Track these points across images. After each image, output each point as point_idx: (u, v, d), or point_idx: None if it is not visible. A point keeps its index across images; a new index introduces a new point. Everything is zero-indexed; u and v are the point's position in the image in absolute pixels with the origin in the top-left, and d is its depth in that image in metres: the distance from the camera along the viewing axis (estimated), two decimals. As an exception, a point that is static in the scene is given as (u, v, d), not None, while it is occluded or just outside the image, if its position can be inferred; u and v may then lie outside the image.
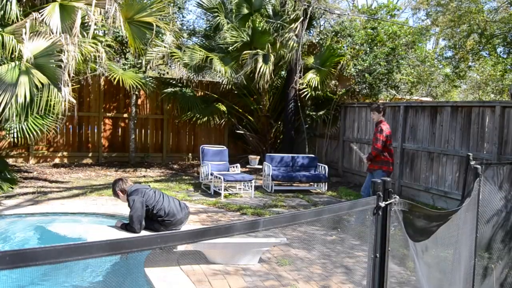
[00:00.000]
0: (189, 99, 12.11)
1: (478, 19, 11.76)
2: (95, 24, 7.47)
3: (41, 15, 7.07)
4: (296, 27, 10.80)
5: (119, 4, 7.77)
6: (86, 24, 7.71)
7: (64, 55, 6.75)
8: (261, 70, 10.36)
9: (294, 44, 10.74)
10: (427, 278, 2.36)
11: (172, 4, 11.62)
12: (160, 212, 4.86)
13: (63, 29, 7.23)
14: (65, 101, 6.83)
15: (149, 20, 8.53)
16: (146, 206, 4.81)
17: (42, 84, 6.74)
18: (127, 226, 4.83)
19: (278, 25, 11.22)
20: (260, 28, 10.80)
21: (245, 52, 10.61)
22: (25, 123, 7.93)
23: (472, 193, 2.86)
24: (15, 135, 8.20)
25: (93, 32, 7.68)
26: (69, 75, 6.87)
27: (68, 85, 6.85)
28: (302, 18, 10.98)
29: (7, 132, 8.36)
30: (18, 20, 7.36)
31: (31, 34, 6.89)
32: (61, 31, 7.12)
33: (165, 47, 11.05)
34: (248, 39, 11.00)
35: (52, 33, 7.04)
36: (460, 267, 2.87)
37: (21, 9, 7.60)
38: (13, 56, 6.78)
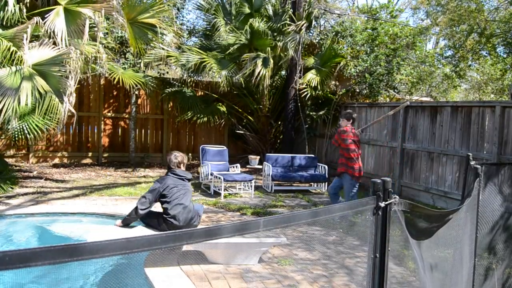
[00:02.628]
0: (189, 99, 12.10)
1: (478, 19, 11.76)
2: (98, 26, 7.50)
3: (46, 20, 7.07)
4: (299, 28, 10.80)
5: (119, 2, 7.79)
6: (92, 27, 7.73)
7: (70, 66, 6.80)
8: (260, 73, 10.35)
9: (294, 45, 10.73)
10: (429, 278, 2.36)
11: (172, 6, 11.62)
12: (166, 210, 4.95)
13: (68, 34, 7.25)
14: (65, 111, 6.89)
15: (152, 21, 8.54)
16: (160, 197, 4.96)
17: (45, 92, 6.77)
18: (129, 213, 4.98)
19: (278, 25, 11.22)
20: (259, 29, 10.80)
21: (245, 55, 10.61)
22: (25, 124, 7.93)
23: (472, 193, 2.86)
24: (16, 135, 8.20)
25: (94, 34, 7.70)
26: (75, 84, 6.93)
27: (72, 95, 6.91)
28: (304, 21, 10.98)
29: (6, 131, 8.37)
30: (19, 21, 7.36)
31: (35, 40, 6.91)
32: (66, 35, 7.14)
33: (163, 49, 11.05)
34: (247, 40, 11.00)
35: (56, 38, 7.05)
36: (462, 267, 2.87)
37: (24, 10, 7.58)
38: (13, 59, 6.78)
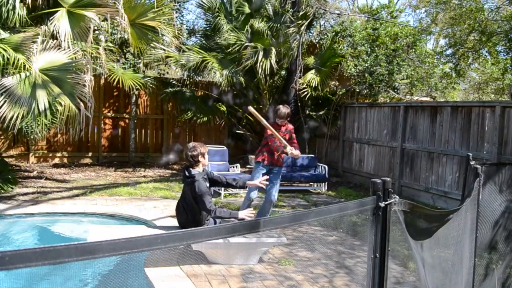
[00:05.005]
0: (189, 99, 12.10)
1: (478, 18, 11.76)
2: (101, 30, 7.54)
3: (51, 24, 7.11)
4: (299, 27, 10.79)
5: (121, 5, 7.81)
6: (96, 30, 7.79)
7: (87, 74, 6.87)
8: (262, 64, 10.34)
9: (295, 44, 10.72)
10: (429, 278, 2.36)
11: (173, 7, 11.63)
12: None
13: (73, 36, 7.28)
14: (83, 118, 6.98)
15: (152, 24, 8.56)
16: None
17: (62, 99, 6.83)
18: None
19: (279, 25, 11.21)
20: (260, 30, 10.79)
21: (244, 51, 10.61)
22: (26, 124, 7.94)
23: (472, 193, 2.86)
24: (15, 135, 8.21)
25: (95, 34, 7.74)
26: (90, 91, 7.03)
27: (91, 99, 6.99)
28: (303, 21, 10.97)
29: (7, 133, 8.38)
30: (21, 21, 7.36)
31: (44, 44, 6.95)
32: (70, 38, 7.18)
33: (163, 49, 11.05)
34: (248, 40, 10.99)
35: (60, 40, 7.10)
36: (462, 267, 2.87)
37: (25, 11, 7.58)
38: (18, 66, 6.80)
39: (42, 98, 6.66)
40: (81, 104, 7.02)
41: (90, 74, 7.06)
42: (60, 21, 7.22)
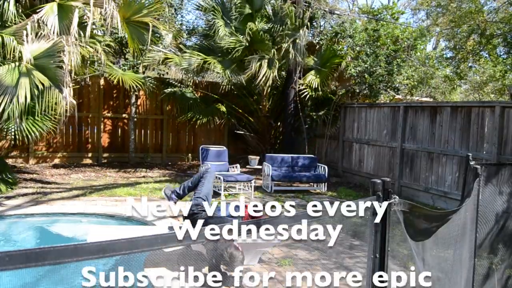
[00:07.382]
0: (189, 100, 12.10)
1: (478, 20, 11.77)
2: (94, 24, 7.48)
3: (39, 15, 7.09)
4: (299, 30, 10.79)
5: (116, 3, 7.78)
6: (85, 24, 7.72)
7: (65, 56, 6.78)
8: (266, 74, 10.35)
9: (298, 46, 10.71)
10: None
11: (169, 4, 11.60)
12: None
13: (61, 29, 7.26)
14: (66, 102, 6.87)
15: (146, 20, 8.52)
16: None
17: (43, 85, 6.75)
18: None
19: (279, 26, 11.21)
20: (259, 33, 10.79)
21: (250, 57, 10.60)
22: (23, 125, 7.91)
23: (472, 193, 2.86)
24: (14, 136, 8.19)
25: (92, 32, 7.69)
26: (70, 76, 6.90)
27: (69, 86, 6.87)
28: (305, 21, 10.97)
29: (5, 133, 8.35)
30: (16, 20, 7.36)
31: (32, 36, 6.91)
32: (58, 30, 7.15)
33: (161, 51, 11.04)
34: (248, 42, 10.99)
35: (52, 34, 7.07)
36: (461, 267, 2.87)
37: (20, 10, 7.58)
38: (12, 56, 6.78)
39: (25, 85, 6.60)
40: (65, 90, 6.93)
41: (68, 57, 6.96)
42: (50, 14, 7.21)
